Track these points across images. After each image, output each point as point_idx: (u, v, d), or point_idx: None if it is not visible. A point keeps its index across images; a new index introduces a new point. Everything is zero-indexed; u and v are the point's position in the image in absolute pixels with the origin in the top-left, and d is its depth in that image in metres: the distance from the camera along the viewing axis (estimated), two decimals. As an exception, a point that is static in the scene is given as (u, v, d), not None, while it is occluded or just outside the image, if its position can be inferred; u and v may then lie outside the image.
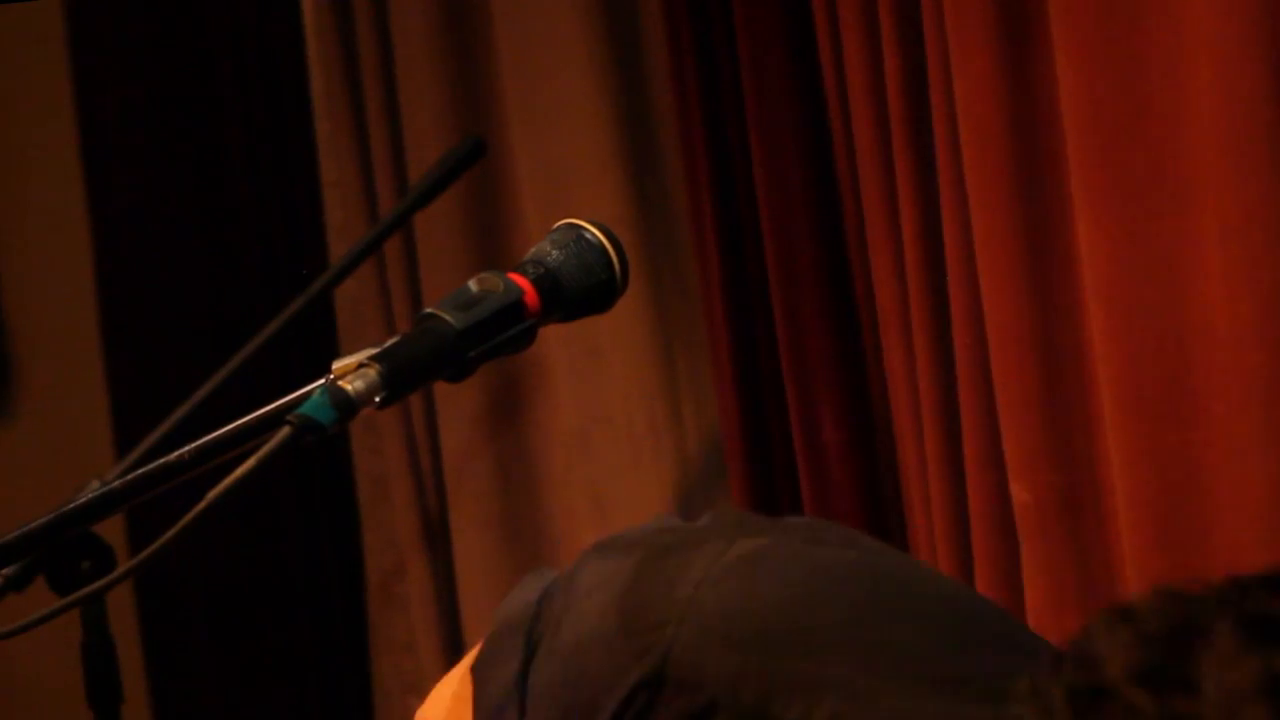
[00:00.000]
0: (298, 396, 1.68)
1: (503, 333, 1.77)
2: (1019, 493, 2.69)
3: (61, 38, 3.88)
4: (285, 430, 1.65)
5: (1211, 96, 2.66)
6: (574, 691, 1.80)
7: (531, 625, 1.83)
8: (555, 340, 1.79)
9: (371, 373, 1.69)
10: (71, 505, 1.75)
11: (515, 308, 1.76)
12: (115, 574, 1.73)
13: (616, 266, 1.83)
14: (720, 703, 1.68)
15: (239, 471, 1.64)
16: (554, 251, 1.82)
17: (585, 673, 1.77)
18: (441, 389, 2.93)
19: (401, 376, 1.72)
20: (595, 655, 1.77)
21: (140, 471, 1.78)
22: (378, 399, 1.70)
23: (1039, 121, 2.78)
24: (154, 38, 3.76)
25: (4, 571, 1.75)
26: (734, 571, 1.74)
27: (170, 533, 1.64)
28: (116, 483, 1.80)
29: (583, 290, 1.82)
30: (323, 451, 2.79)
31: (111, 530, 1.84)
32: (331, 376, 1.70)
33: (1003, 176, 2.80)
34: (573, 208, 1.90)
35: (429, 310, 1.77)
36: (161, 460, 1.77)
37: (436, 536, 3.45)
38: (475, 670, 1.88)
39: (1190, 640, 1.27)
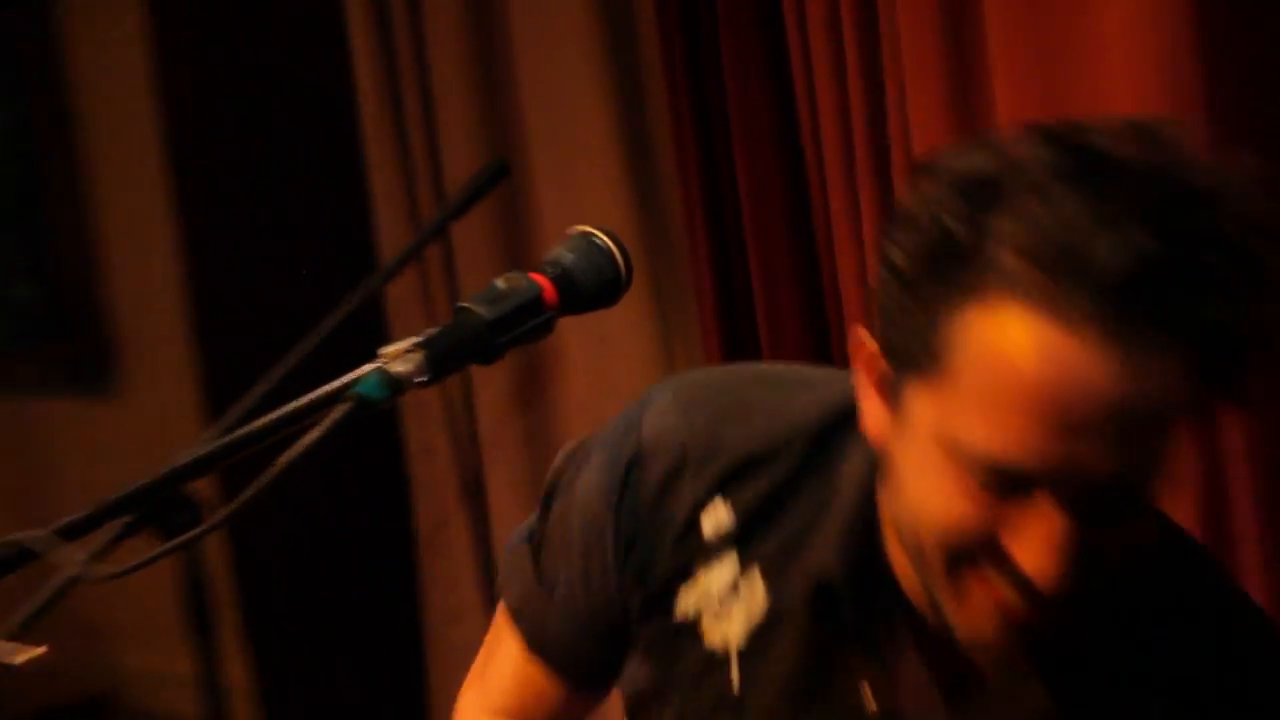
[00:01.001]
0: (354, 377, 1.71)
1: (526, 323, 1.78)
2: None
3: (151, 93, 3.91)
4: (345, 406, 1.68)
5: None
6: (590, 510, 1.93)
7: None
8: (570, 329, 1.81)
9: (417, 357, 1.71)
10: (170, 468, 1.79)
11: (536, 302, 1.77)
12: (206, 525, 1.74)
13: (622, 267, 1.84)
14: (687, 454, 1.85)
15: (306, 440, 1.66)
16: (568, 254, 1.82)
17: (592, 487, 1.91)
18: (476, 370, 2.95)
19: (441, 360, 1.73)
20: (597, 474, 1.91)
21: (223, 441, 1.82)
22: (422, 379, 1.74)
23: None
24: (234, 74, 3.78)
25: (119, 522, 1.80)
26: (672, 383, 1.91)
27: (249, 492, 1.67)
28: (205, 450, 1.84)
29: (593, 287, 1.83)
30: (377, 424, 2.82)
31: (206, 489, 1.90)
32: (382, 360, 1.75)
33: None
34: (584, 217, 1.91)
35: (464, 304, 1.78)
36: (241, 431, 1.81)
37: (474, 493, 3.49)
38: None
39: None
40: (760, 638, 1.87)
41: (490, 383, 3.37)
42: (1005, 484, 1.51)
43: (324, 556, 3.74)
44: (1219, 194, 1.46)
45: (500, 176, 2.55)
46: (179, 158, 3.81)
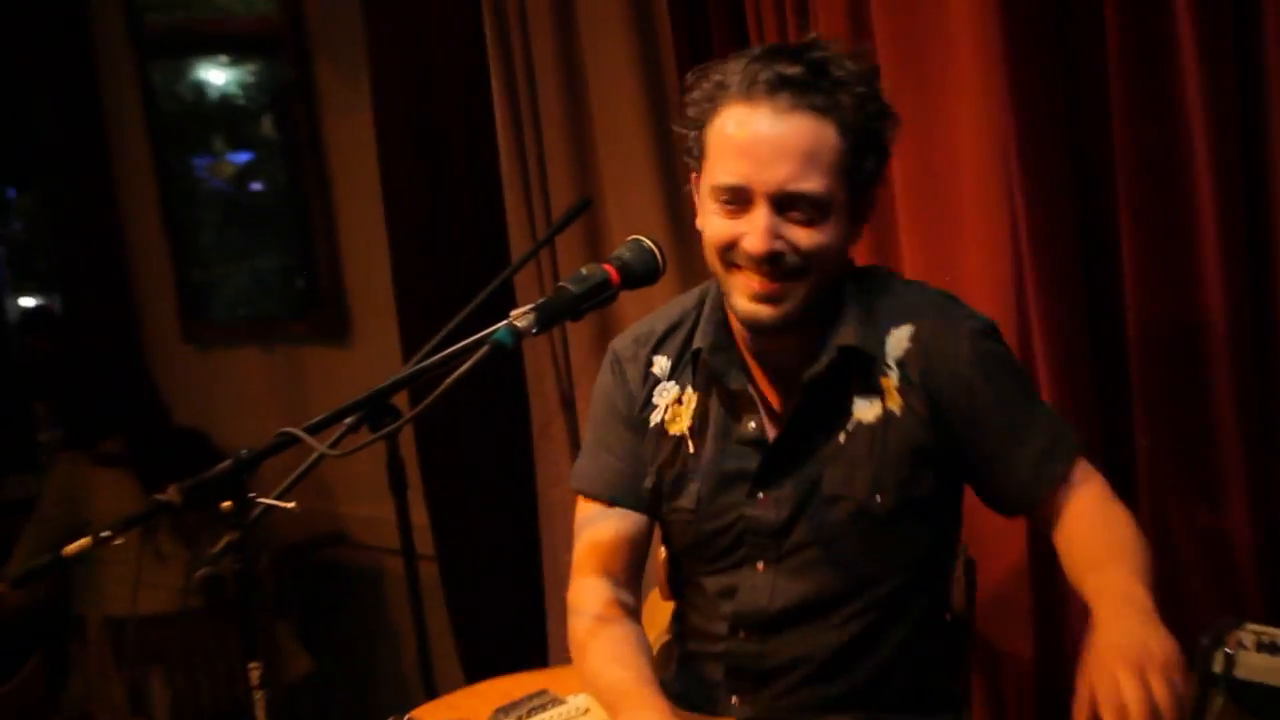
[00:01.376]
0: (492, 330, 1.78)
1: (599, 296, 1.88)
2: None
3: (374, 154, 3.93)
4: (486, 348, 1.75)
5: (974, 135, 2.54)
6: None
7: None
8: (627, 299, 1.83)
9: (531, 316, 1.81)
10: (379, 388, 1.84)
11: (605, 282, 1.89)
12: (400, 422, 1.82)
13: (660, 260, 1.94)
14: (636, 343, 2.16)
15: (462, 369, 1.75)
16: (626, 252, 1.94)
17: (599, 383, 2.20)
18: (570, 325, 2.97)
19: (547, 319, 1.84)
20: (600, 376, 2.20)
21: (412, 370, 1.89)
22: (534, 331, 1.80)
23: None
24: (415, 136, 3.78)
25: (349, 421, 1.84)
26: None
27: (427, 401, 1.76)
28: (401, 376, 1.89)
29: (642, 272, 1.93)
30: (509, 360, 2.88)
31: (402, 401, 1.94)
32: (510, 319, 1.80)
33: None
34: (636, 229, 1.93)
35: (561, 284, 1.89)
36: (423, 365, 1.87)
37: (568, 403, 3.49)
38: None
39: None
40: (698, 419, 2.05)
41: (578, 333, 3.36)
42: (734, 201, 1.85)
43: (475, 442, 3.75)
44: (826, 54, 1.86)
45: (585, 207, 2.60)
46: (390, 195, 3.83)
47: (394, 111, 3.83)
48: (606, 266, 1.90)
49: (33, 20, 5.56)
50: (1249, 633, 1.92)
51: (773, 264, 1.84)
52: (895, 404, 1.92)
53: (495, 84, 3.48)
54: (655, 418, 2.08)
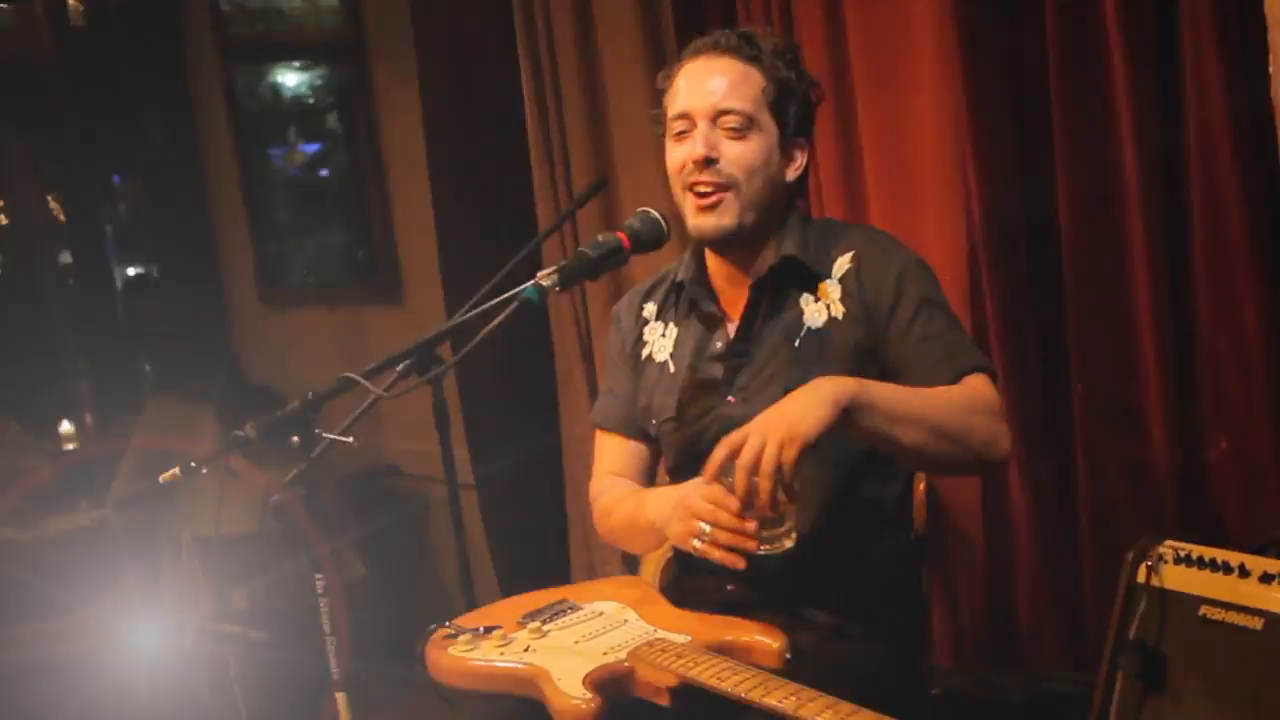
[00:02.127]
0: (521, 288, 1.75)
1: (612, 259, 1.86)
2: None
3: (422, 139, 3.89)
4: (516, 303, 1.71)
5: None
6: None
7: None
8: (637, 262, 1.83)
9: (554, 276, 1.77)
10: (425, 339, 1.81)
11: (618, 247, 1.86)
12: (444, 367, 1.79)
13: (665, 228, 1.92)
14: (631, 299, 2.21)
15: (494, 323, 1.72)
16: (636, 222, 1.92)
17: (611, 334, 2.22)
18: (588, 285, 2.95)
19: (568, 278, 1.81)
20: (611, 328, 2.22)
21: (453, 323, 1.85)
22: (557, 288, 1.76)
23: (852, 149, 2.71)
24: (455, 123, 3.74)
25: (400, 367, 1.82)
26: None
27: (465, 349, 1.73)
28: (444, 328, 1.86)
29: (649, 239, 1.90)
30: (536, 315, 2.85)
31: (446, 351, 1.91)
32: (536, 279, 1.76)
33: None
34: (645, 201, 1.90)
35: (581, 249, 1.86)
36: (463, 318, 1.83)
37: (587, 353, 3.46)
38: None
39: None
40: (678, 346, 2.06)
41: (595, 292, 3.33)
42: (682, 128, 1.91)
43: (508, 386, 3.72)
44: (753, 32, 1.97)
45: (602, 185, 2.56)
46: (436, 177, 3.80)
47: (439, 107, 3.81)
48: (619, 234, 1.89)
49: (136, 33, 5.59)
50: (1168, 548, 1.91)
51: (708, 166, 1.88)
52: (838, 311, 1.93)
53: (525, 82, 3.46)
54: (645, 352, 2.11)
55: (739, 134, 1.90)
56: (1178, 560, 1.87)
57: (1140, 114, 2.21)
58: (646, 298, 2.16)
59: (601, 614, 1.89)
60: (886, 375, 1.91)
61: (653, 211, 1.94)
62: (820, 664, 1.79)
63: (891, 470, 2.03)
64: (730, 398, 1.97)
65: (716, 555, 1.68)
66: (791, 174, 1.99)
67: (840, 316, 1.93)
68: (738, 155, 1.89)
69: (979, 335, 2.49)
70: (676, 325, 2.09)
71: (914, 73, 2.55)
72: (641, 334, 2.13)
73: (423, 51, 3.80)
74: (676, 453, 2.07)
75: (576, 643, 1.78)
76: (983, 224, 2.43)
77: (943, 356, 1.90)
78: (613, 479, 2.17)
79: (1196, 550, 1.84)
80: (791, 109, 1.96)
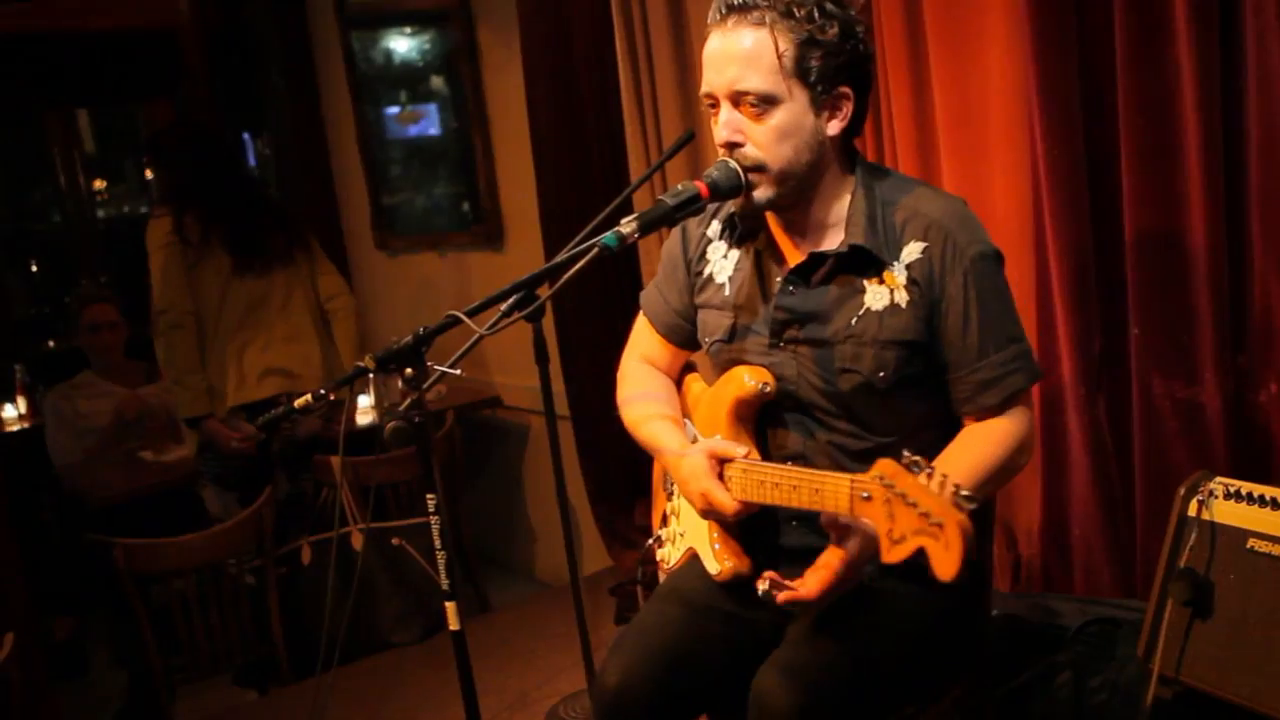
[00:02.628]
0: (603, 235, 1.73)
1: (689, 207, 1.81)
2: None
3: (523, 101, 3.89)
4: (595, 249, 1.70)
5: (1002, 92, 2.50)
6: None
7: None
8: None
9: (634, 224, 1.74)
10: (523, 279, 1.82)
11: (695, 196, 1.81)
12: (538, 303, 1.79)
13: (742, 177, 1.83)
14: (700, 218, 2.07)
15: (578, 265, 1.73)
16: (715, 171, 1.83)
17: (671, 242, 2.12)
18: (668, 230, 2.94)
19: (647, 226, 1.78)
20: (671, 236, 2.12)
21: (548, 266, 1.85)
22: (636, 236, 1.74)
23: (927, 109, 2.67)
24: (557, 86, 3.73)
25: (506, 305, 1.83)
26: None
27: (554, 288, 1.74)
28: (540, 270, 1.86)
29: (726, 188, 1.83)
30: (626, 254, 2.84)
31: (544, 290, 1.91)
32: (618, 227, 1.74)
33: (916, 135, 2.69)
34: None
35: (659, 198, 1.81)
36: (556, 262, 1.83)
37: None
38: None
39: None
40: (735, 270, 1.98)
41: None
42: (711, 105, 1.80)
43: (601, 325, 3.73)
44: None
45: (689, 139, 2.53)
46: (535, 133, 3.80)
47: (539, 67, 3.80)
48: (698, 183, 1.80)
49: (263, 2, 5.64)
50: (1218, 484, 1.88)
51: (734, 150, 1.78)
52: (901, 298, 1.80)
53: (618, 43, 3.43)
54: (707, 270, 2.01)
55: (760, 113, 1.75)
56: (1228, 495, 1.84)
57: (1201, 69, 2.13)
58: (714, 215, 2.03)
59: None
60: (936, 370, 1.85)
61: (732, 161, 1.80)
62: (888, 589, 1.83)
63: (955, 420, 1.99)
64: (779, 346, 1.90)
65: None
66: (834, 127, 1.81)
67: (903, 305, 1.80)
68: (760, 136, 1.76)
69: (1042, 280, 2.47)
70: (738, 249, 1.99)
71: (985, 29, 2.49)
72: (705, 250, 2.03)
73: (524, 15, 3.79)
74: (719, 372, 2.01)
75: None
76: (1047, 173, 2.37)
77: (984, 383, 1.81)
78: (641, 371, 2.15)
79: (1246, 486, 1.83)
80: (818, 65, 1.76)
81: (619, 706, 1.84)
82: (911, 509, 1.44)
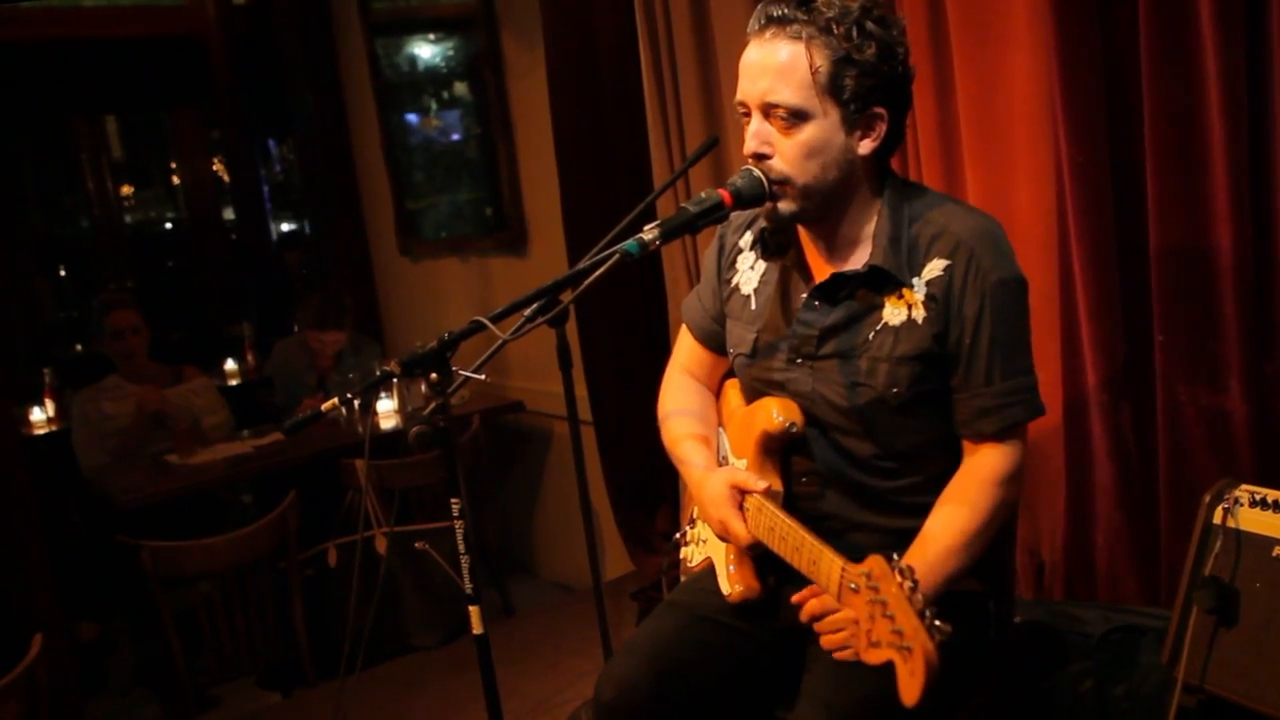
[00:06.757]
0: (624, 242, 1.73)
1: (713, 215, 1.80)
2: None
3: (549, 107, 3.90)
4: (617, 256, 1.70)
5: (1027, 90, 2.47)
6: None
7: None
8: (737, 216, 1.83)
9: (656, 231, 1.74)
10: (546, 285, 1.82)
11: (719, 204, 1.79)
12: (560, 308, 1.79)
13: (766, 186, 1.82)
14: (733, 225, 2.07)
15: (599, 271, 1.71)
16: (739, 179, 1.81)
17: (710, 251, 2.13)
18: (700, 238, 2.92)
19: (669, 233, 1.77)
20: (713, 245, 2.13)
21: (571, 272, 1.84)
22: (657, 243, 1.74)
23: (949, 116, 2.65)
24: (583, 93, 3.74)
25: (526, 311, 1.83)
26: None
27: (576, 293, 1.74)
28: (563, 276, 1.86)
29: (750, 196, 1.81)
30: (650, 260, 2.84)
31: (567, 296, 1.91)
32: (639, 234, 1.74)
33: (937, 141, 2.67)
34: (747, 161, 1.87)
35: (682, 205, 1.80)
36: (578, 268, 1.82)
37: (694, 278, 3.43)
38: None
39: None
40: (761, 283, 1.98)
41: (706, 245, 3.32)
42: (744, 113, 1.79)
43: (624, 333, 3.74)
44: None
45: (713, 145, 2.52)
46: (559, 140, 3.81)
47: (562, 74, 3.80)
48: (721, 191, 1.78)
49: (290, 10, 5.70)
50: (1244, 491, 1.86)
51: (761, 161, 1.77)
52: (918, 315, 1.78)
53: (642, 50, 3.44)
54: (734, 280, 2.01)
55: (789, 127, 1.73)
56: (1253, 504, 1.82)
57: (1227, 77, 2.11)
58: (749, 225, 2.03)
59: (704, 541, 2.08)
60: (944, 391, 1.84)
61: (756, 170, 1.78)
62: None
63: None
64: (795, 362, 1.89)
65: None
66: (866, 147, 1.77)
67: (920, 321, 1.78)
68: (788, 150, 1.74)
69: (1066, 289, 2.45)
70: (766, 260, 1.98)
71: (1009, 34, 2.47)
72: (735, 260, 2.03)
73: (548, 22, 3.79)
74: (745, 386, 2.02)
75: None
76: (1071, 180, 2.36)
77: (983, 410, 1.80)
78: (680, 386, 2.16)
79: (1272, 494, 1.81)
80: (853, 84, 1.73)
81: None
82: (888, 621, 1.43)
